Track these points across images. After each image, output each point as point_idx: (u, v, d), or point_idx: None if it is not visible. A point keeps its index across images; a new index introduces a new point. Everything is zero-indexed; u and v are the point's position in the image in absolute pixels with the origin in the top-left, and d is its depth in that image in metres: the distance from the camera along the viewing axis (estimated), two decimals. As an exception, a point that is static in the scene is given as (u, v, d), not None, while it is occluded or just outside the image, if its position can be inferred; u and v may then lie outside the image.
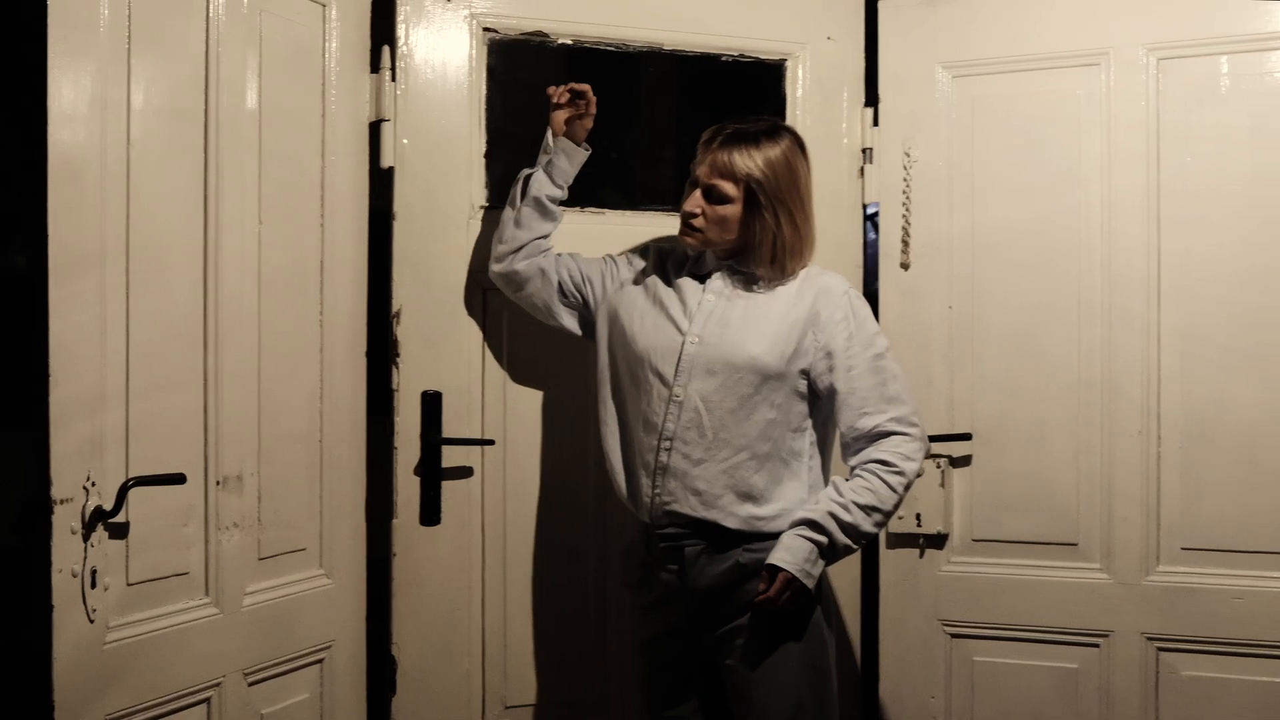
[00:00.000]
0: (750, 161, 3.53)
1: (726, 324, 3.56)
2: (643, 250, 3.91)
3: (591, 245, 4.09)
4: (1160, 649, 4.26)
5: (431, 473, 4.14)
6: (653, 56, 4.43)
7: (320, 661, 3.95)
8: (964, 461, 4.42)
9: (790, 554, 3.42)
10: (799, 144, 3.65)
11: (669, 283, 3.74)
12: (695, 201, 3.57)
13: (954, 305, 4.45)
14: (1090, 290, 4.31)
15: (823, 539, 3.42)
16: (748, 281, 3.64)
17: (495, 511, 4.26)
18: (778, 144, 3.58)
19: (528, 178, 3.86)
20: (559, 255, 3.91)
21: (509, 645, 4.29)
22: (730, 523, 3.52)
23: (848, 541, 3.45)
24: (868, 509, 3.43)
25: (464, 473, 4.20)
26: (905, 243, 4.49)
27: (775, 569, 3.42)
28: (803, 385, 3.56)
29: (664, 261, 3.82)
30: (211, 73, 3.46)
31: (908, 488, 3.51)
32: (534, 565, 4.31)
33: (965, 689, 4.46)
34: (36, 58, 2.97)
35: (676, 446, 3.54)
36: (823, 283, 3.61)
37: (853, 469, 3.53)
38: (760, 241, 3.57)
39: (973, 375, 4.44)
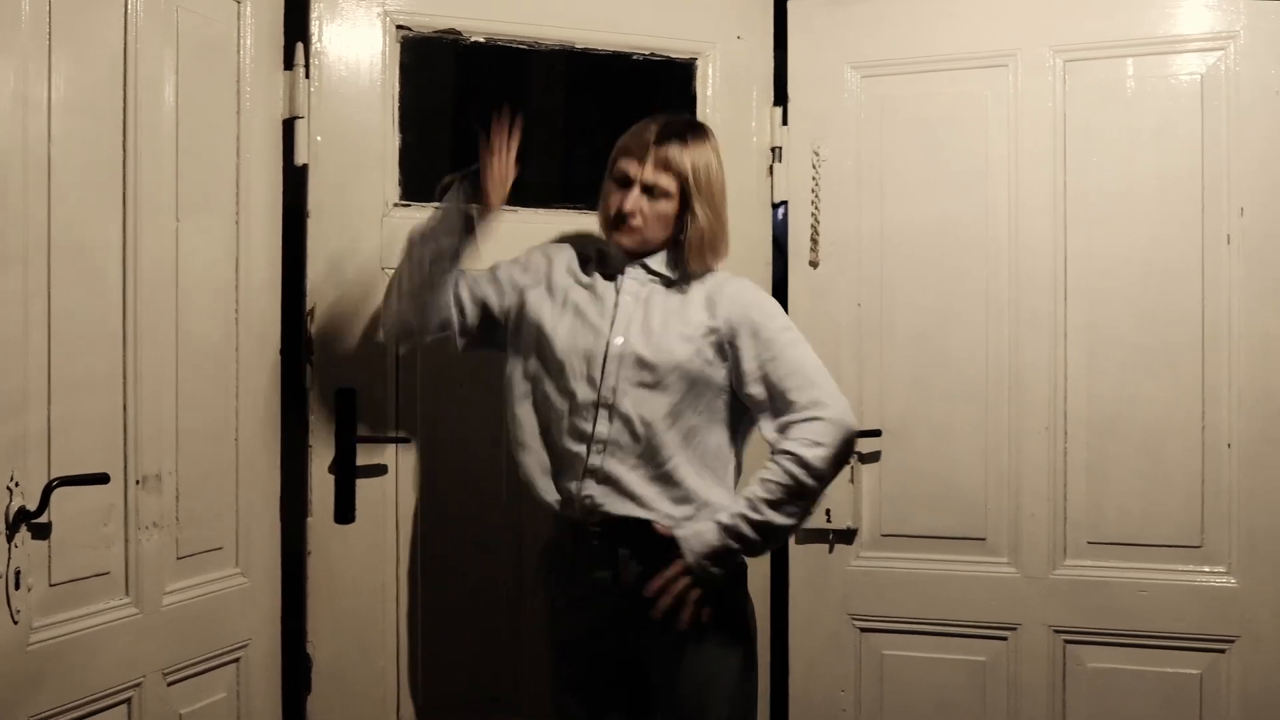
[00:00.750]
0: (687, 157, 3.53)
1: (649, 328, 3.54)
2: (533, 255, 3.85)
3: (504, 241, 4.10)
4: (1067, 641, 4.33)
5: (346, 471, 4.14)
6: (565, 55, 4.45)
7: (237, 660, 3.93)
8: (873, 458, 4.47)
9: (693, 543, 3.41)
10: (715, 141, 3.67)
11: (577, 285, 3.70)
12: (635, 200, 3.53)
13: (863, 303, 4.49)
14: (998, 289, 4.38)
15: (731, 542, 3.40)
16: (661, 283, 3.63)
17: (409, 509, 4.26)
18: (704, 140, 3.59)
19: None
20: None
21: (424, 642, 4.29)
22: (663, 518, 3.50)
23: (758, 538, 3.41)
24: (777, 504, 3.38)
25: (378, 470, 4.20)
26: (814, 241, 4.53)
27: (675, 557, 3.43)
28: (725, 387, 3.54)
29: (561, 264, 3.78)
30: (130, 69, 3.43)
31: (820, 476, 3.39)
32: (448, 562, 4.31)
33: (875, 682, 4.51)
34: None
35: (609, 450, 3.51)
36: (730, 288, 3.59)
37: (770, 458, 3.48)
38: (690, 239, 3.57)
39: (882, 372, 4.49)
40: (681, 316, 3.54)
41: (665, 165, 3.52)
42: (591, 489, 3.54)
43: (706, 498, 3.51)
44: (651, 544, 3.48)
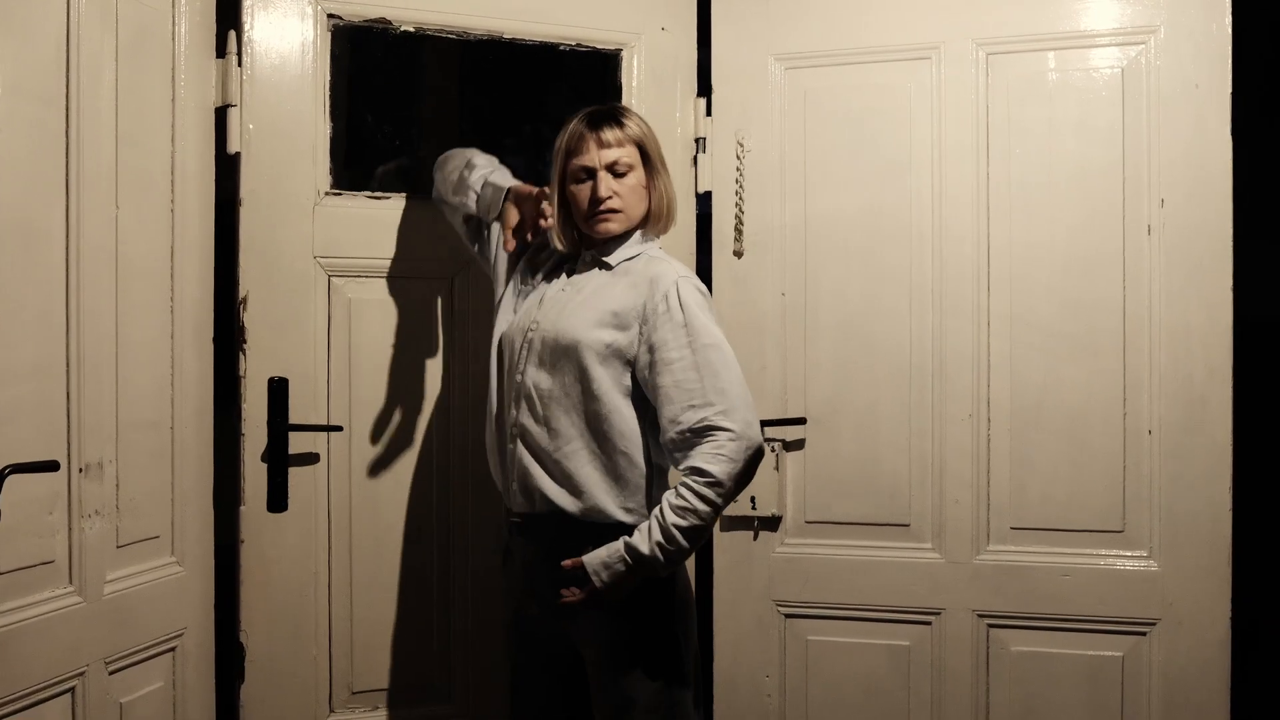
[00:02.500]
0: (633, 127, 3.58)
1: (563, 309, 3.55)
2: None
3: (435, 231, 4.20)
4: (991, 625, 4.40)
5: (279, 459, 4.13)
6: (493, 45, 4.45)
7: (173, 650, 3.91)
8: (798, 445, 4.51)
9: (596, 559, 3.39)
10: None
11: (534, 275, 3.76)
12: (607, 185, 3.53)
13: (787, 292, 4.54)
14: (921, 277, 4.43)
15: (629, 559, 3.34)
16: (601, 269, 3.63)
17: (341, 497, 4.27)
18: (634, 114, 3.67)
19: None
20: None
21: (355, 630, 4.30)
22: (571, 510, 3.50)
23: (663, 559, 3.33)
24: (685, 530, 3.32)
25: (310, 459, 4.19)
26: (739, 230, 4.57)
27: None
28: (627, 378, 3.50)
29: (535, 255, 3.81)
30: (72, 55, 3.40)
31: (727, 495, 3.34)
32: (379, 550, 4.33)
33: (799, 667, 4.56)
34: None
35: (523, 436, 3.55)
36: (655, 271, 3.53)
37: (680, 479, 3.42)
38: (654, 207, 3.63)
39: (806, 360, 4.53)
40: (603, 298, 3.53)
41: (619, 142, 3.55)
42: (510, 473, 3.61)
43: (611, 488, 3.50)
44: (560, 535, 3.52)
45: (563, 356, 3.48)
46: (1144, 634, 4.28)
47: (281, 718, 4.19)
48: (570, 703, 3.66)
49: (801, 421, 4.50)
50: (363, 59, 4.26)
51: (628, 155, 3.56)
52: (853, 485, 4.51)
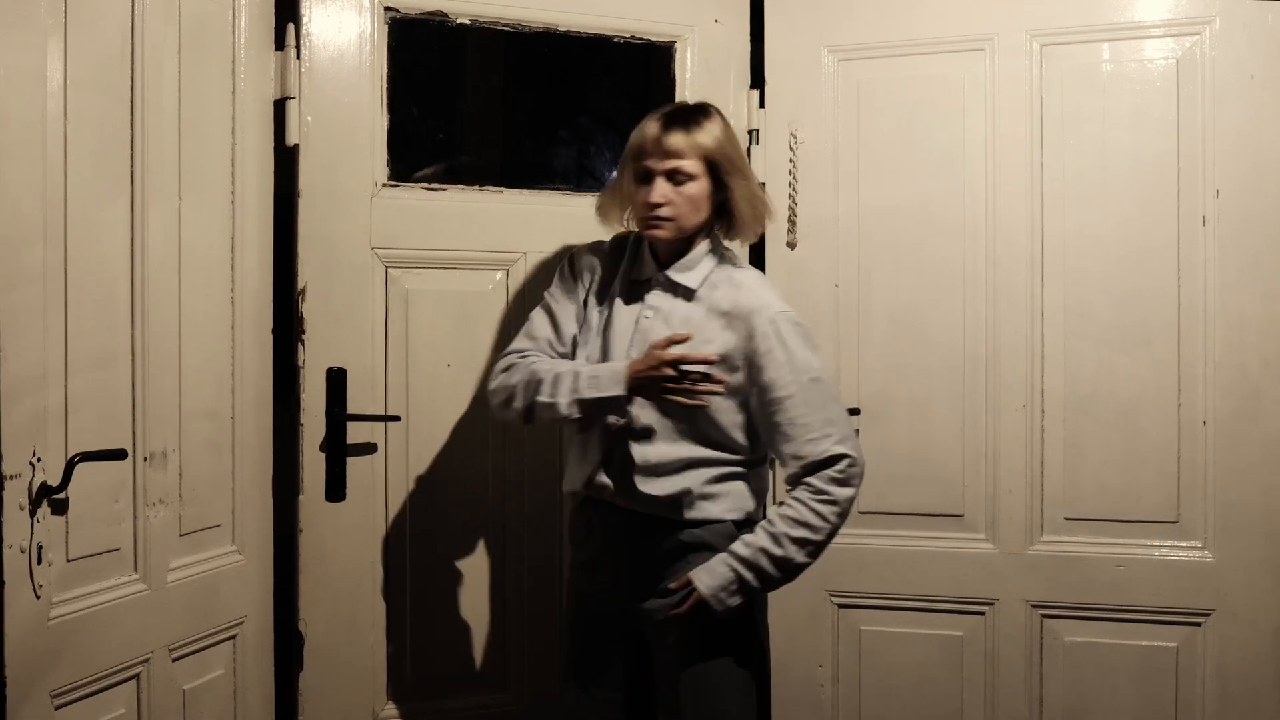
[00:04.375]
0: (701, 135, 3.54)
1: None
2: (569, 266, 3.83)
3: (490, 224, 4.19)
4: (1044, 616, 4.42)
5: (337, 449, 4.16)
6: (548, 37, 4.47)
7: (234, 637, 3.95)
8: (851, 435, 4.53)
9: (711, 577, 3.41)
10: (721, 114, 3.68)
11: (606, 289, 3.74)
12: (661, 191, 3.52)
13: (840, 284, 4.55)
14: (975, 268, 4.45)
15: (747, 574, 3.39)
16: (683, 296, 3.61)
17: (399, 487, 4.29)
18: (712, 116, 3.61)
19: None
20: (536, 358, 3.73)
21: (412, 619, 4.33)
22: (676, 517, 3.53)
23: (778, 575, 3.40)
24: (800, 542, 3.38)
25: (368, 449, 4.22)
26: (792, 222, 4.58)
27: (691, 586, 3.43)
28: (739, 410, 3.53)
29: (592, 276, 3.79)
30: (137, 48, 3.43)
31: (843, 515, 3.42)
32: (436, 539, 4.35)
33: (852, 657, 4.59)
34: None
35: (625, 445, 3.56)
36: (748, 305, 3.53)
37: (790, 494, 3.47)
38: (740, 214, 3.62)
39: (860, 351, 4.55)
40: (699, 336, 3.51)
41: (682, 148, 3.53)
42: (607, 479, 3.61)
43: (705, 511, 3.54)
44: (657, 521, 3.55)
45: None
46: (1198, 625, 4.29)
47: (339, 706, 4.22)
48: (635, 676, 3.72)
49: (855, 412, 4.50)
50: (408, 52, 4.27)
51: (691, 165, 3.53)
52: (906, 475, 4.52)
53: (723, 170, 3.57)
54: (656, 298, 3.63)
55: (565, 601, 4.21)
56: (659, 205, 3.52)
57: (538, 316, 3.79)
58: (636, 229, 3.69)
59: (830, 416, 3.46)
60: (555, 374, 3.56)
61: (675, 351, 3.41)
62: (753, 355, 3.47)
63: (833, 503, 3.40)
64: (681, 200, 3.54)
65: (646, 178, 3.55)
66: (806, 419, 3.43)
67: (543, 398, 3.56)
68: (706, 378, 3.39)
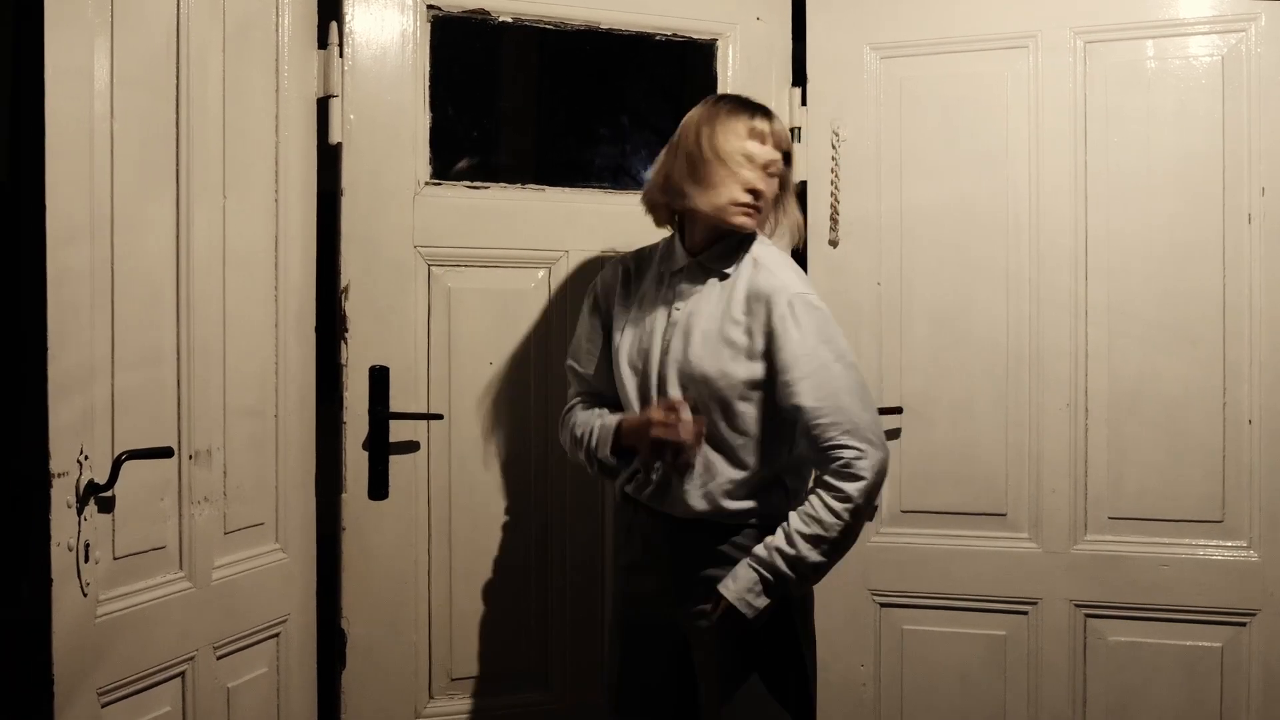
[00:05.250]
0: (786, 133, 3.57)
1: (689, 337, 3.50)
2: (590, 295, 3.84)
3: (532, 222, 4.20)
4: (1088, 615, 4.39)
5: (379, 447, 4.17)
6: (590, 35, 4.47)
7: (277, 636, 3.96)
8: (893, 435, 4.50)
9: (735, 582, 3.37)
10: None
11: (638, 282, 3.73)
12: (766, 182, 3.49)
13: (882, 282, 4.54)
14: (1018, 267, 4.42)
15: (768, 575, 3.34)
16: (717, 277, 3.57)
17: (441, 485, 4.30)
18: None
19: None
20: (584, 404, 3.83)
21: (454, 618, 4.33)
22: (710, 516, 3.50)
23: (793, 575, 3.32)
24: (813, 540, 3.29)
25: (410, 447, 4.22)
26: (834, 221, 4.57)
27: (719, 595, 3.39)
28: (762, 401, 3.47)
29: (615, 286, 3.78)
30: (182, 47, 3.45)
31: (856, 512, 3.31)
32: (478, 538, 4.35)
33: (895, 657, 4.57)
34: (32, 30, 2.96)
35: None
36: (768, 286, 3.46)
37: (809, 490, 3.43)
38: (785, 208, 3.63)
39: (902, 350, 4.53)
40: (723, 324, 3.48)
41: (778, 142, 3.51)
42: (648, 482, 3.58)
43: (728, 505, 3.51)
44: (694, 526, 3.52)
45: (701, 385, 3.46)
46: (1243, 624, 4.26)
47: (382, 704, 4.23)
48: (679, 685, 3.64)
49: (897, 411, 4.50)
50: (448, 50, 4.27)
51: (780, 162, 3.53)
52: (949, 475, 4.50)
53: (788, 168, 3.59)
54: (688, 288, 3.59)
55: (608, 608, 4.18)
56: (760, 194, 3.48)
57: (575, 354, 3.84)
58: (705, 216, 3.55)
59: (841, 404, 3.34)
60: (586, 431, 3.72)
61: (659, 417, 3.42)
62: (771, 336, 3.41)
63: (844, 499, 3.29)
64: (770, 194, 3.52)
65: (744, 164, 3.46)
66: (817, 405, 3.33)
67: (583, 456, 3.74)
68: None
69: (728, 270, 3.54)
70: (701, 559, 3.49)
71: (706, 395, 3.44)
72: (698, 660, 3.54)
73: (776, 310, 3.41)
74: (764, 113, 3.52)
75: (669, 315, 3.58)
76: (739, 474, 3.47)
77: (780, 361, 3.39)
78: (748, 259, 3.54)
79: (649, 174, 3.69)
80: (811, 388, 3.35)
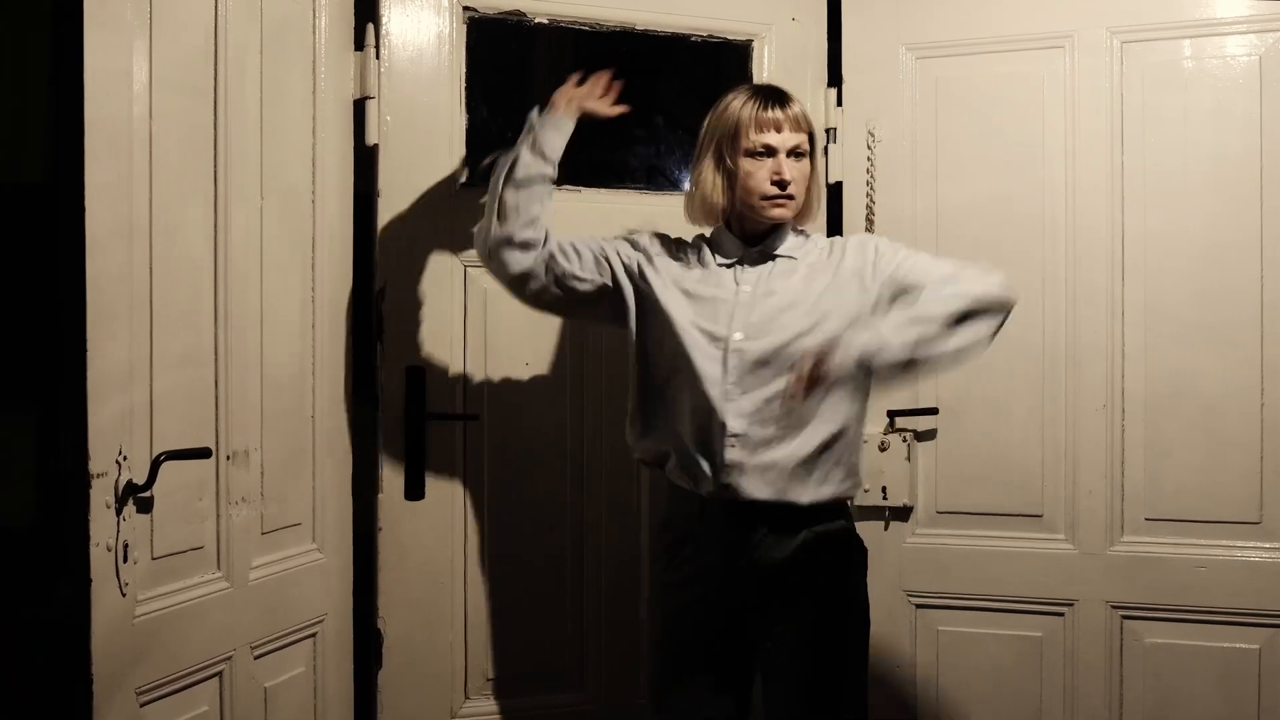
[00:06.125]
0: (805, 114, 3.57)
1: (769, 317, 3.47)
2: (647, 237, 3.72)
3: (568, 224, 4.15)
4: (1125, 617, 4.38)
5: (416, 448, 4.18)
6: (625, 36, 4.47)
7: (314, 635, 3.98)
8: (929, 435, 4.51)
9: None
10: None
11: (694, 271, 3.62)
12: (791, 167, 3.47)
13: (918, 281, 4.52)
14: (1054, 267, 4.42)
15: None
16: (777, 260, 3.58)
17: (477, 486, 4.30)
18: (797, 101, 3.60)
19: (513, 162, 3.58)
20: (559, 243, 3.62)
21: (490, 617, 4.34)
22: (803, 499, 3.46)
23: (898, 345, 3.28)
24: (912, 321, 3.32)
25: (446, 448, 4.24)
26: (870, 221, 4.57)
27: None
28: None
29: (675, 250, 3.69)
30: (220, 48, 3.47)
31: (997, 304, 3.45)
32: (513, 538, 4.36)
33: (930, 658, 4.57)
34: (72, 31, 2.98)
35: (749, 432, 3.44)
36: (838, 243, 3.61)
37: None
38: (814, 194, 3.63)
39: (938, 350, 4.51)
40: (824, 293, 3.49)
41: (797, 125, 3.51)
42: (731, 473, 3.45)
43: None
44: (786, 523, 3.48)
45: (771, 362, 3.44)
46: (1281, 627, 4.25)
47: (418, 703, 4.24)
48: (736, 701, 3.60)
49: (933, 411, 4.49)
50: (483, 51, 4.28)
51: (805, 142, 3.53)
52: (984, 475, 4.50)
53: (815, 151, 3.59)
54: (753, 272, 3.56)
55: (645, 611, 4.17)
56: (789, 183, 3.48)
57: (577, 239, 3.69)
58: (744, 213, 3.57)
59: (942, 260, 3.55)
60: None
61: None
62: (863, 266, 3.52)
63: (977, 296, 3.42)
64: (800, 178, 3.52)
65: (768, 153, 3.48)
66: (923, 266, 3.52)
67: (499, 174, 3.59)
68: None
69: (797, 256, 3.57)
70: (789, 556, 3.48)
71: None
72: (780, 643, 3.51)
73: (854, 241, 3.61)
74: (775, 100, 3.52)
75: (736, 294, 3.53)
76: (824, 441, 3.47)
77: (884, 265, 3.51)
78: (802, 241, 3.61)
79: (686, 185, 3.69)
80: (913, 255, 3.56)
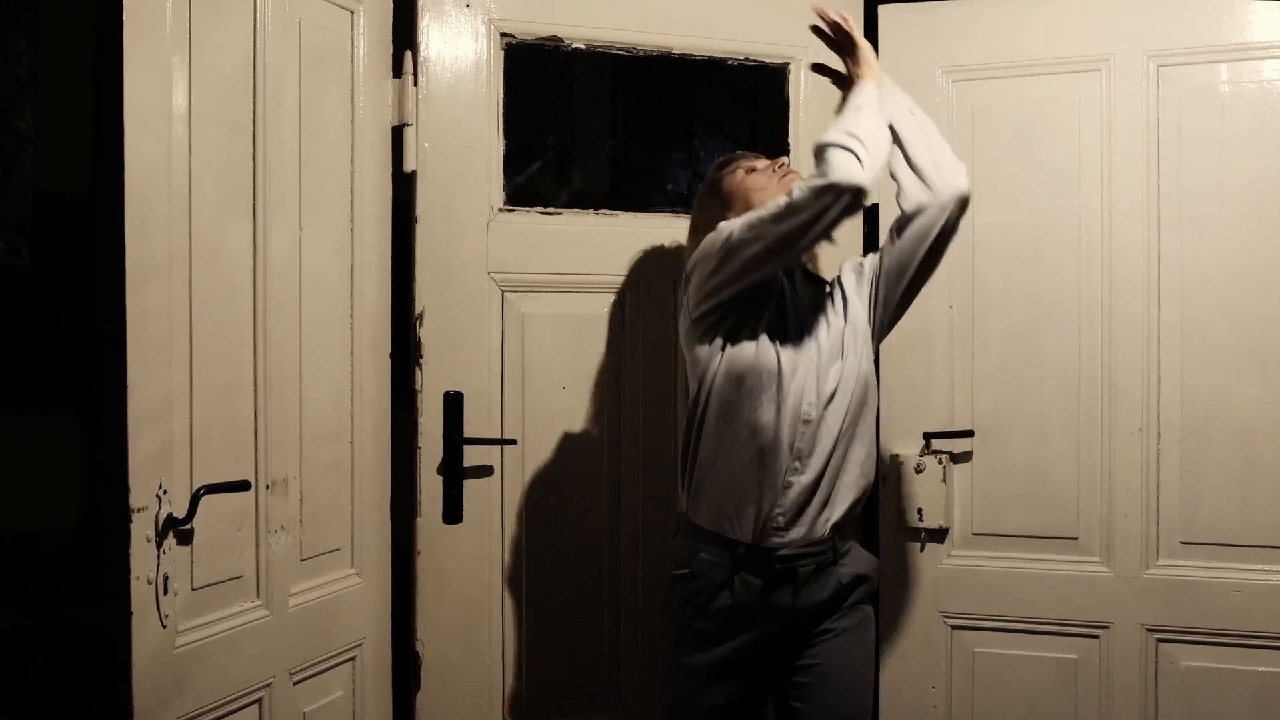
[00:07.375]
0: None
1: (833, 342, 3.59)
2: None
3: (604, 248, 4.24)
4: (1160, 640, 4.37)
5: (454, 472, 4.20)
6: (662, 61, 4.48)
7: (353, 659, 4.00)
8: (965, 458, 4.51)
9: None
10: None
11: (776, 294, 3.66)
12: (785, 188, 3.53)
13: (954, 304, 4.53)
14: (1090, 290, 4.41)
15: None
16: (814, 279, 3.78)
17: (514, 509, 4.33)
18: None
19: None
20: None
21: (528, 639, 4.36)
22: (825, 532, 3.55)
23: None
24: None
25: (484, 471, 4.25)
26: (906, 243, 4.56)
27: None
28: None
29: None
30: (259, 80, 3.50)
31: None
32: (551, 561, 4.38)
33: (966, 679, 4.56)
34: (112, 63, 3.01)
35: (803, 465, 3.50)
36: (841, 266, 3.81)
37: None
38: None
39: (974, 372, 4.52)
40: (839, 319, 3.67)
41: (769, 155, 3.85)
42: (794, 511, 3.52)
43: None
44: (824, 562, 3.56)
45: (864, 387, 3.61)
46: (1317, 651, 4.25)
47: (457, 725, 4.27)
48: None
49: (969, 434, 4.50)
50: (521, 76, 4.31)
51: (787, 161, 3.87)
52: (1020, 498, 4.49)
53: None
54: (801, 295, 3.67)
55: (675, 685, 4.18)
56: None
57: None
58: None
59: None
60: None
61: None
62: (859, 269, 3.78)
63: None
64: None
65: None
66: None
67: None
68: None
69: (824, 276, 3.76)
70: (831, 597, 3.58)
71: (863, 392, 3.60)
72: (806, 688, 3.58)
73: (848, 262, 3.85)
74: (745, 155, 3.79)
75: (802, 322, 3.61)
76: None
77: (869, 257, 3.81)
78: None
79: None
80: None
